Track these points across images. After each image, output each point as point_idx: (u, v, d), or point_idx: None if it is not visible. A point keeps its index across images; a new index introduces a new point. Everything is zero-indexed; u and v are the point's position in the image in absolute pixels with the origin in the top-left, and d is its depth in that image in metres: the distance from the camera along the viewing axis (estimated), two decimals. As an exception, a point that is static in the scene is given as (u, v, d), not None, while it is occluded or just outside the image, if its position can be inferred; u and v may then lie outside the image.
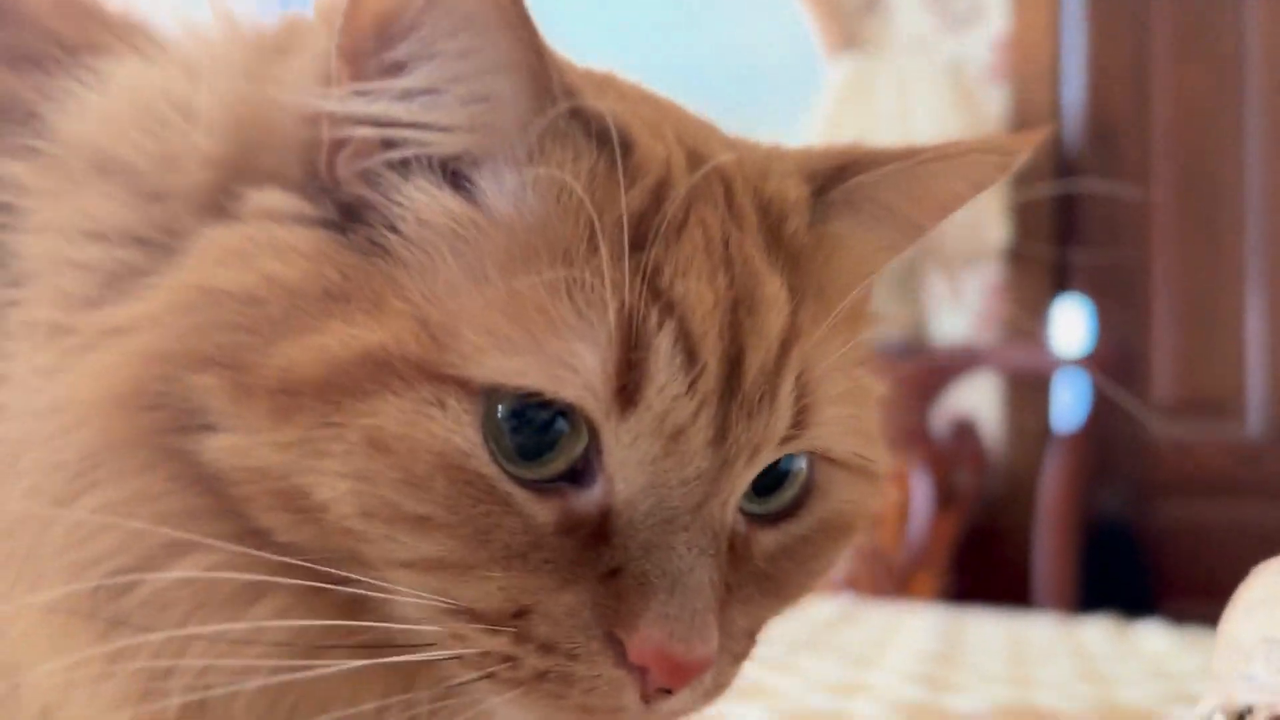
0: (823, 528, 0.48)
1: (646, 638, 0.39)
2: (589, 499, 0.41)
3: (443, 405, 0.39)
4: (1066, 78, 2.71)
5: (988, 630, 1.50)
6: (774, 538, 0.46)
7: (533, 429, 0.40)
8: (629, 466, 0.41)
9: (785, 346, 0.43)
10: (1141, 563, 2.47)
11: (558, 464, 0.41)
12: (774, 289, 0.43)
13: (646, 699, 0.41)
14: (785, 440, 0.44)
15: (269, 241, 0.40)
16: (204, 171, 0.41)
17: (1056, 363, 2.50)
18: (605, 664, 0.40)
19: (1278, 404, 2.54)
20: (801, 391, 0.44)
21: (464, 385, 0.39)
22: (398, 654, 0.40)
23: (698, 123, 0.49)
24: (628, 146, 0.42)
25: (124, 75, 0.44)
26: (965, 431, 2.38)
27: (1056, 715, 0.93)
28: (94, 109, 0.43)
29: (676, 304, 0.40)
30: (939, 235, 2.63)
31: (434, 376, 0.39)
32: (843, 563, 0.51)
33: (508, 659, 0.40)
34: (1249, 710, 0.55)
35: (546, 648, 0.40)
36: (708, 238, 0.43)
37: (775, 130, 0.53)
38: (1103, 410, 2.44)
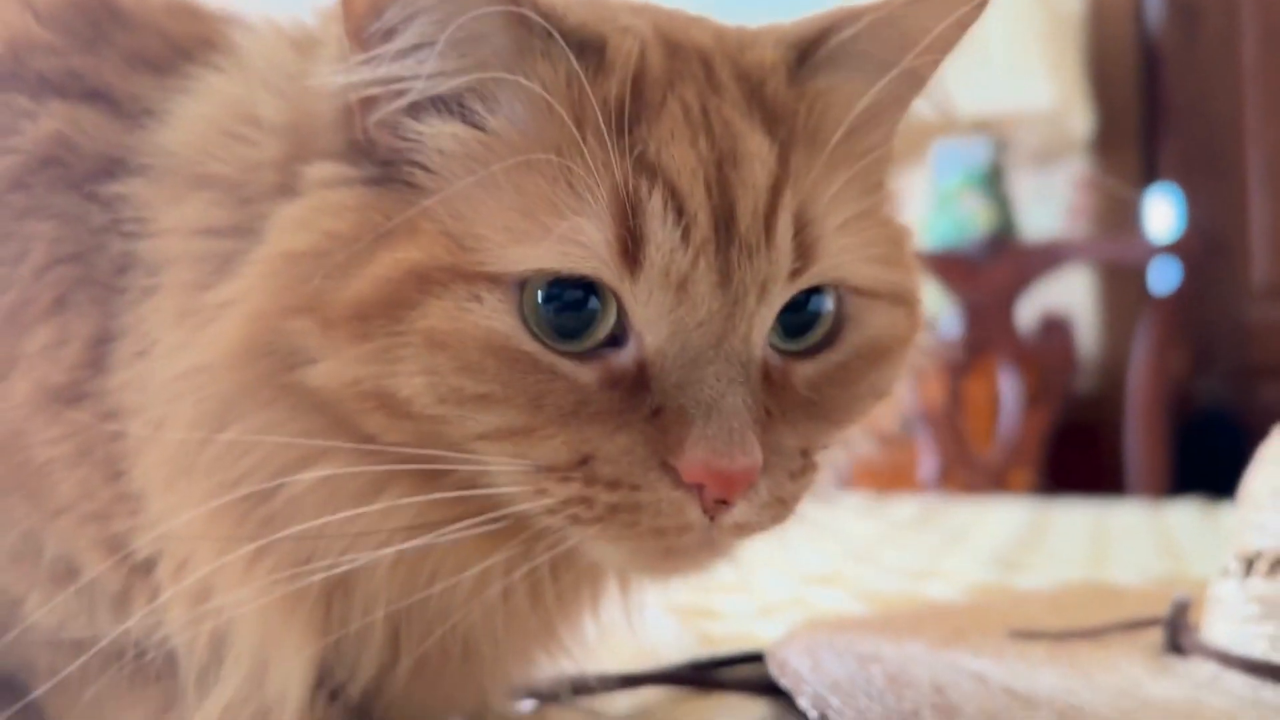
0: (861, 354, 0.54)
1: (694, 458, 0.46)
2: (625, 356, 0.48)
3: (479, 299, 0.47)
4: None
5: (1074, 517, 1.53)
6: (812, 368, 0.52)
7: (569, 311, 0.48)
8: (651, 320, 0.48)
9: (775, 190, 0.49)
10: (1242, 449, 2.43)
11: (597, 336, 0.48)
12: (755, 143, 0.50)
13: (708, 512, 0.47)
14: (795, 274, 0.50)
15: (324, 205, 0.49)
16: (274, 170, 0.50)
17: (1148, 251, 2.45)
18: (665, 488, 0.47)
19: (1381, 280, 2.48)
20: (801, 227, 0.50)
21: (494, 280, 0.47)
22: (498, 514, 0.49)
23: (683, 17, 0.55)
24: (599, 48, 0.49)
25: (206, 90, 0.54)
26: (1055, 328, 2.37)
27: (1120, 587, 0.96)
28: (189, 122, 0.53)
29: (662, 170, 0.48)
30: (1023, 129, 2.57)
31: (466, 276, 0.47)
32: (895, 385, 0.57)
33: (583, 500, 0.48)
34: (1258, 555, 0.58)
35: (612, 484, 0.47)
36: (686, 110, 0.49)
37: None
38: (1199, 296, 2.41)
